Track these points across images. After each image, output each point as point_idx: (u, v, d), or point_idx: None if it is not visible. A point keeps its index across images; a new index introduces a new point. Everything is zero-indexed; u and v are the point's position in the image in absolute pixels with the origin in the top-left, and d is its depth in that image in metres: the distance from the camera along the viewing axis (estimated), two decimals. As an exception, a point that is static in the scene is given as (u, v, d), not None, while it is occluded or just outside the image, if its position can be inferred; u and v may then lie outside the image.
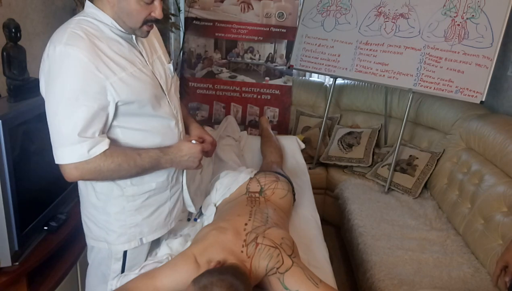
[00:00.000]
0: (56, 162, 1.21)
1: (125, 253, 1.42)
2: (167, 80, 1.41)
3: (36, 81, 1.81)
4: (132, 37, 1.30)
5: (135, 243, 1.42)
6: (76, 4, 2.51)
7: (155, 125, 1.35)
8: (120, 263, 1.43)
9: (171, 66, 1.45)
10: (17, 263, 1.50)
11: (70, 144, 1.18)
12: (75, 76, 1.16)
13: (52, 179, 1.78)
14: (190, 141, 1.41)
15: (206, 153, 1.51)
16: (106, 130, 1.25)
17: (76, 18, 1.24)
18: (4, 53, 1.68)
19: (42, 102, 1.64)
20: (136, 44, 1.32)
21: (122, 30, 1.26)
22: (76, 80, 1.16)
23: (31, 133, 1.60)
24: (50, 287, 1.62)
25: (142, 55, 1.33)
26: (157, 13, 1.24)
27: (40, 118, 1.62)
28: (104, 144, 1.21)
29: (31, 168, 1.60)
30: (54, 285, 1.65)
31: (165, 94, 1.38)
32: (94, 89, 1.18)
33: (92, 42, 1.19)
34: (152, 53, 1.38)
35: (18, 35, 1.70)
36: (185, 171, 1.52)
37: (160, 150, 1.33)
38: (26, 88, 1.74)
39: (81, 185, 1.39)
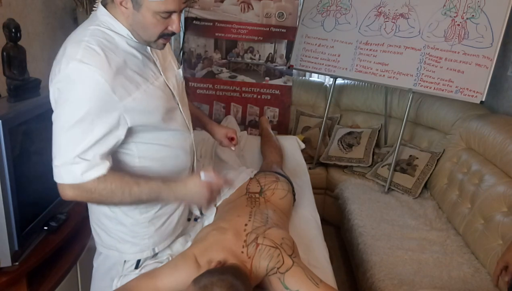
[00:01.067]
0: (54, 179, 1.18)
1: (138, 260, 1.43)
2: (179, 87, 1.39)
3: (37, 82, 1.82)
4: (146, 47, 1.26)
5: (147, 253, 1.42)
6: (76, 4, 2.50)
7: (168, 138, 1.34)
8: (133, 268, 1.42)
9: (180, 71, 1.42)
10: (17, 263, 1.50)
11: (68, 164, 1.14)
12: (90, 98, 1.11)
13: (52, 179, 1.78)
14: (199, 176, 1.27)
15: (214, 193, 1.33)
16: (110, 153, 1.20)
17: (90, 28, 1.17)
18: (4, 53, 1.68)
19: (42, 102, 1.65)
20: (150, 54, 1.28)
21: (137, 41, 1.21)
22: (89, 102, 1.11)
23: (31, 133, 1.60)
24: (50, 287, 1.62)
25: (156, 65, 1.30)
26: (175, 27, 1.18)
27: (40, 118, 1.63)
28: (101, 169, 1.16)
29: (31, 168, 1.60)
30: (54, 285, 1.64)
31: (178, 104, 1.36)
32: (107, 112, 1.14)
33: (108, 58, 1.13)
34: (164, 61, 1.35)
35: (18, 35, 1.69)
36: (184, 174, 1.50)
37: (163, 182, 1.25)
38: (26, 88, 1.74)
39: None
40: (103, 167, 1.16)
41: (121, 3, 1.14)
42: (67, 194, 1.18)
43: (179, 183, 1.27)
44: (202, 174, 1.25)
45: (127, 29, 1.19)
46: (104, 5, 1.21)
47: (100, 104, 1.12)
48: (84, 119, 1.12)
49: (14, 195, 1.43)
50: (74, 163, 1.13)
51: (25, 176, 1.52)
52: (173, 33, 1.20)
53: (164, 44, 1.24)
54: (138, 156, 1.29)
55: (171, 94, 1.33)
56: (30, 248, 1.60)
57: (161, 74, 1.30)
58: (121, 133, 1.19)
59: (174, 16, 1.17)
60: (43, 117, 1.64)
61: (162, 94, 1.28)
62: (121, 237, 1.38)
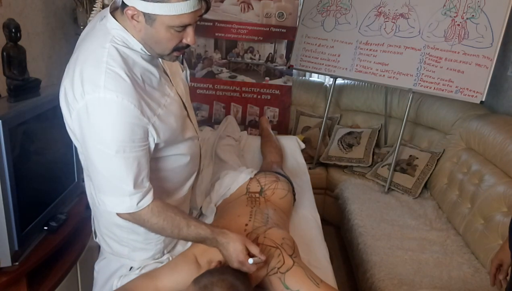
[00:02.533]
0: (104, 208, 1.21)
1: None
2: (186, 93, 1.38)
3: (37, 82, 1.82)
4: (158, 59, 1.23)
5: (158, 256, 1.43)
6: (76, 4, 2.50)
7: (183, 148, 1.34)
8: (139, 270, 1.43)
9: (186, 74, 1.41)
10: (17, 263, 1.49)
11: (125, 195, 1.15)
12: (123, 125, 1.09)
13: (52, 179, 1.79)
14: (242, 244, 1.25)
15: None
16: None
17: (106, 46, 1.11)
18: (4, 53, 1.68)
19: (42, 102, 1.65)
20: (161, 63, 1.27)
21: (150, 54, 1.17)
22: (124, 131, 1.10)
23: (31, 133, 1.60)
24: (50, 287, 1.62)
25: (167, 74, 1.28)
26: (189, 39, 1.12)
27: (40, 118, 1.63)
28: (150, 195, 1.19)
29: (31, 168, 1.60)
30: (54, 285, 1.64)
31: (187, 111, 1.36)
32: (140, 136, 1.14)
33: (132, 80, 1.10)
34: (171, 65, 1.33)
35: (18, 35, 1.69)
36: (193, 176, 1.50)
37: (211, 232, 1.26)
38: (26, 88, 1.74)
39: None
40: (151, 192, 1.19)
41: (132, 17, 1.08)
42: (121, 215, 1.22)
43: (224, 239, 1.25)
44: (251, 260, 1.24)
45: (140, 42, 1.14)
46: (113, 15, 1.15)
47: (134, 129, 1.11)
48: (124, 148, 1.11)
49: (14, 195, 1.43)
50: (131, 194, 1.15)
51: (25, 176, 1.52)
52: (188, 46, 1.16)
53: (178, 57, 1.20)
54: (155, 169, 1.29)
55: (181, 103, 1.32)
56: (30, 248, 1.60)
57: (172, 84, 1.29)
58: (151, 149, 1.20)
59: (189, 29, 1.11)
60: (43, 117, 1.65)
61: (177, 105, 1.27)
62: (134, 245, 1.38)
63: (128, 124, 1.10)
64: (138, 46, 1.15)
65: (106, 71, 1.08)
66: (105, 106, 1.08)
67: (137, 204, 1.17)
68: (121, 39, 1.14)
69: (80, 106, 1.10)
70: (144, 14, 1.07)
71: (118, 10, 1.15)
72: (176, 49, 1.15)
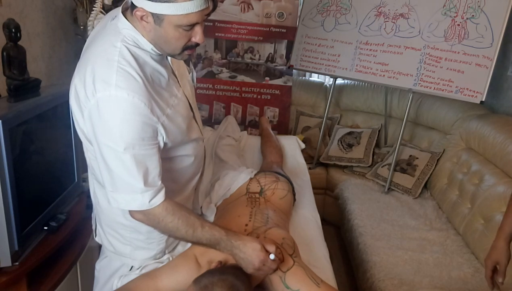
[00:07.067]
0: (117, 206, 1.19)
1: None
2: (192, 95, 1.39)
3: (37, 82, 1.82)
4: (166, 57, 1.23)
5: (159, 255, 1.43)
6: (76, 4, 2.50)
7: (188, 149, 1.35)
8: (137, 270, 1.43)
9: (193, 76, 1.43)
10: (17, 263, 1.49)
11: (133, 192, 1.15)
12: (133, 124, 1.10)
13: (52, 179, 1.79)
14: (260, 244, 1.24)
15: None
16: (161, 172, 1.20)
17: (118, 46, 1.13)
18: (4, 53, 1.68)
19: (42, 102, 1.65)
20: (170, 64, 1.27)
21: (161, 54, 1.18)
22: (133, 129, 1.10)
23: (31, 133, 1.60)
24: (50, 287, 1.62)
25: (175, 75, 1.29)
26: (198, 38, 1.13)
27: (40, 118, 1.63)
28: (163, 193, 1.18)
29: (31, 168, 1.60)
30: (54, 285, 1.64)
31: (193, 112, 1.36)
32: (149, 135, 1.14)
33: (142, 79, 1.11)
34: (178, 66, 1.33)
35: (18, 35, 1.70)
36: (196, 177, 1.50)
37: (226, 234, 1.23)
38: (26, 88, 1.74)
39: (105, 204, 1.32)
40: (163, 191, 1.18)
41: (141, 18, 1.10)
42: (135, 216, 1.21)
43: (239, 241, 1.24)
44: (272, 255, 1.24)
45: (150, 43, 1.15)
46: (124, 15, 1.16)
47: (143, 128, 1.12)
48: (133, 145, 1.11)
49: (14, 195, 1.43)
50: (143, 192, 1.15)
51: (25, 176, 1.52)
52: (197, 44, 1.16)
53: (189, 55, 1.21)
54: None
55: (188, 104, 1.33)
56: (30, 248, 1.60)
57: (180, 85, 1.30)
58: (160, 148, 1.20)
59: (197, 28, 1.12)
60: (43, 117, 1.65)
61: (183, 106, 1.28)
62: (136, 244, 1.38)
63: (138, 122, 1.11)
64: (148, 46, 1.16)
65: (118, 70, 1.10)
66: (116, 104, 1.09)
67: (149, 202, 1.16)
68: (132, 39, 1.15)
69: (91, 104, 1.11)
70: (153, 14, 1.08)
71: (128, 10, 1.16)
72: (186, 48, 1.16)
